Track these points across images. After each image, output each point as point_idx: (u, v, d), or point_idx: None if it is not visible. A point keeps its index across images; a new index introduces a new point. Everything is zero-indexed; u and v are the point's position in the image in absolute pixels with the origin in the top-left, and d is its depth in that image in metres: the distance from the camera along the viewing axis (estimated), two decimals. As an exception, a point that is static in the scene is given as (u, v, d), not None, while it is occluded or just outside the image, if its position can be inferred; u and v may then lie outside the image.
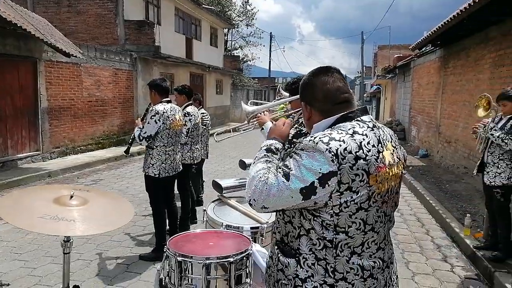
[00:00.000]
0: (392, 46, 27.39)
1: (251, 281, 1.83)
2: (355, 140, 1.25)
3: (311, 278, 1.30)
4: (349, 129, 1.28)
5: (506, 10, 5.68)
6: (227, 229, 2.09)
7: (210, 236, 1.99)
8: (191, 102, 4.93)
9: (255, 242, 2.06)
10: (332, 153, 1.21)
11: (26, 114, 8.66)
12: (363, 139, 1.26)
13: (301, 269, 1.32)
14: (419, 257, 4.32)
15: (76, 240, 4.48)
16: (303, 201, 1.24)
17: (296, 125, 2.50)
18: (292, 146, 2.34)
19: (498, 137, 3.68)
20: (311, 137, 1.29)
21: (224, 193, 2.48)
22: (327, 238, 1.27)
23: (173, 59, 15.08)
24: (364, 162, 1.23)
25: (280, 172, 1.27)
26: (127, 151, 4.25)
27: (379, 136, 1.32)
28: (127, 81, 12.60)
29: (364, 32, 29.53)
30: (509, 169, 3.70)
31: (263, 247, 2.04)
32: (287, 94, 2.89)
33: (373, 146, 1.27)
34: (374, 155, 1.26)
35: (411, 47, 11.23)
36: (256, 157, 1.45)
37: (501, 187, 3.75)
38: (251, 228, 2.12)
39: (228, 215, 2.29)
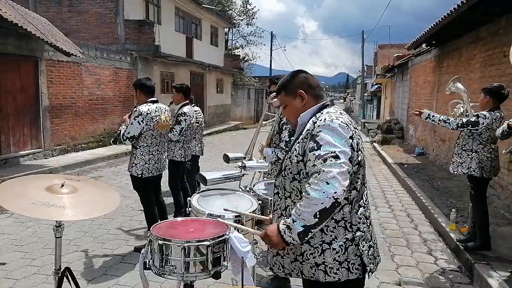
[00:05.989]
0: (392, 45, 27.41)
1: (227, 263, 1.98)
2: (344, 117, 1.63)
3: (335, 240, 1.60)
4: (335, 111, 1.66)
5: (494, 10, 5.80)
6: (209, 218, 2.24)
7: (192, 223, 2.14)
8: (187, 101, 4.97)
9: (235, 229, 2.20)
10: (344, 123, 1.58)
11: (28, 112, 8.85)
12: (347, 118, 1.66)
13: (326, 235, 1.61)
14: (405, 250, 4.46)
15: (74, 233, 4.68)
16: (352, 168, 1.54)
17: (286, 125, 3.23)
18: (289, 142, 2.95)
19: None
20: (319, 121, 1.59)
21: (209, 185, 2.63)
22: (344, 197, 1.55)
23: (173, 58, 15.24)
24: (356, 131, 1.65)
25: (328, 159, 1.46)
26: (114, 141, 4.46)
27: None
28: (128, 80, 12.77)
29: (365, 31, 29.57)
30: (470, 159, 3.86)
31: (243, 234, 2.18)
32: (276, 101, 3.14)
33: (351, 122, 1.67)
34: (356, 128, 1.69)
35: (406, 46, 11.33)
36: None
37: (469, 179, 3.97)
38: (232, 217, 2.26)
39: (211, 205, 2.43)
